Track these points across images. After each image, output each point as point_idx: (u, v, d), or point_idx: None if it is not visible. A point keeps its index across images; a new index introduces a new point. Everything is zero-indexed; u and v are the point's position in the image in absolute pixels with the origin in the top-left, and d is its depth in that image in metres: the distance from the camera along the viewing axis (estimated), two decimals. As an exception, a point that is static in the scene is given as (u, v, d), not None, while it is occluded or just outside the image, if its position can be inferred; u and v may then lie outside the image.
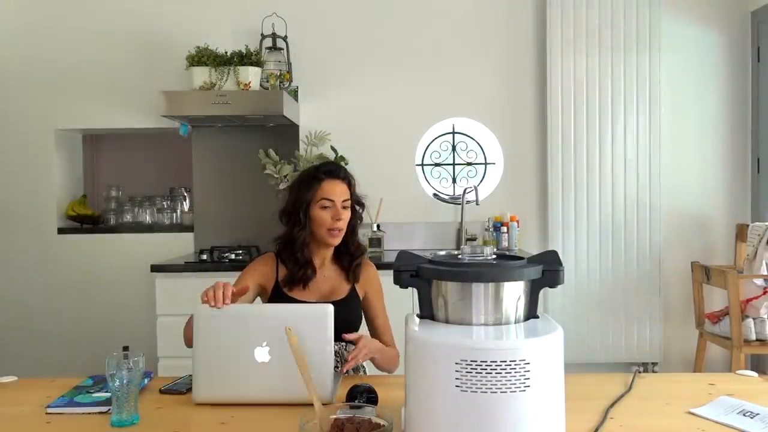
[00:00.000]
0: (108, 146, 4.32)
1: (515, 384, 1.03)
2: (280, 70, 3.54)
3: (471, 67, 3.72)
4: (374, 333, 2.01)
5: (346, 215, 1.92)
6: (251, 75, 3.28)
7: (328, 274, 1.97)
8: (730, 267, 3.39)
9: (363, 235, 3.58)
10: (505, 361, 1.02)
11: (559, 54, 3.60)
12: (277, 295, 1.92)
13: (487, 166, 3.86)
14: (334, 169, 1.96)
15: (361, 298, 1.99)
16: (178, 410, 1.46)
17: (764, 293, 3.11)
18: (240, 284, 1.84)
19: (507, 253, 1.67)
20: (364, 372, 1.97)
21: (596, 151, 3.62)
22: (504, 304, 1.13)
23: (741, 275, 3.10)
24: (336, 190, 1.91)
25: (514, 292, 1.13)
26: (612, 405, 1.41)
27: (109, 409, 1.38)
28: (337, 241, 1.92)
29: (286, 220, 1.95)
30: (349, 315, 1.93)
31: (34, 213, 3.73)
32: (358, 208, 1.98)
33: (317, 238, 1.92)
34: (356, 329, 1.93)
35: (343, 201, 1.92)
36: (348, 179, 1.96)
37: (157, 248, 3.65)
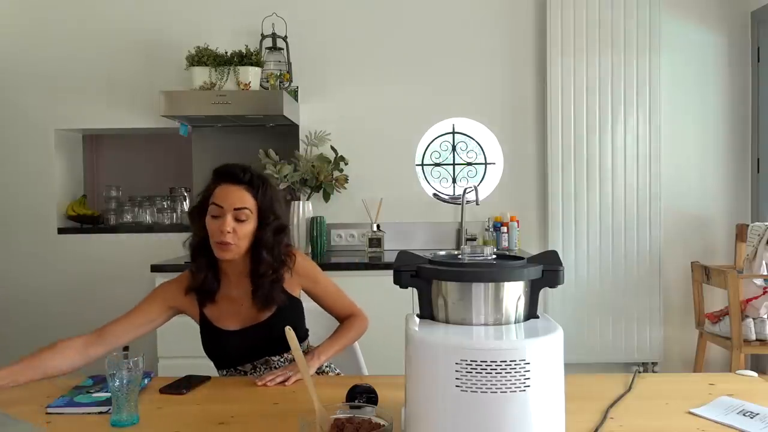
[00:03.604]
0: (108, 146, 4.32)
1: (515, 384, 1.03)
2: (280, 70, 3.54)
3: (471, 67, 3.72)
4: (332, 314, 1.89)
5: (242, 228, 1.65)
6: (251, 75, 3.28)
7: (248, 292, 1.74)
8: (730, 267, 3.39)
9: (363, 234, 3.59)
10: (505, 361, 1.02)
11: (559, 54, 3.60)
12: (203, 322, 1.76)
13: (487, 166, 3.86)
14: (233, 170, 1.68)
15: (300, 294, 1.84)
16: (178, 410, 1.45)
17: (764, 293, 3.11)
18: (145, 310, 1.73)
19: (507, 253, 1.67)
20: (338, 368, 1.95)
21: (596, 151, 3.62)
22: (504, 304, 1.13)
23: (741, 275, 3.10)
24: (229, 196, 1.65)
25: (514, 292, 1.13)
26: (612, 405, 1.41)
27: (109, 409, 1.38)
28: (227, 255, 1.65)
29: (191, 222, 1.74)
30: (284, 327, 1.53)
31: (34, 213, 3.73)
32: (272, 218, 1.70)
33: None
34: (301, 334, 1.83)
35: (238, 209, 1.65)
36: (255, 185, 1.68)
37: (157, 248, 3.65)
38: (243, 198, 1.67)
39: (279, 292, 1.75)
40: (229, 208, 1.65)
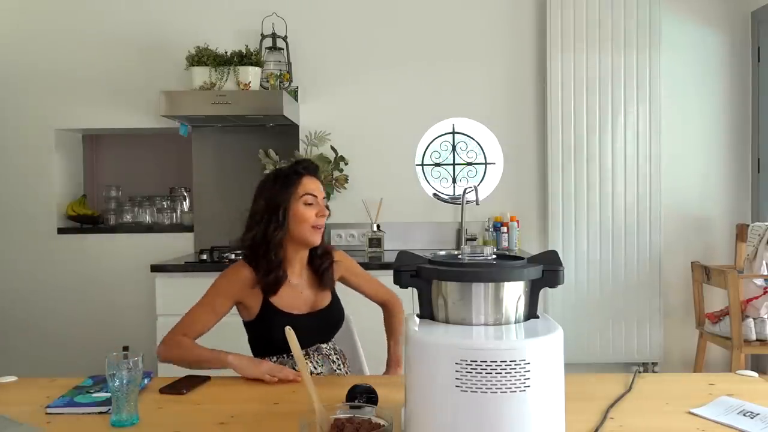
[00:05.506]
0: (108, 146, 4.32)
1: (515, 384, 1.02)
2: (280, 70, 3.54)
3: (471, 67, 3.72)
4: (373, 299, 2.10)
5: (327, 213, 1.93)
6: (251, 75, 3.28)
7: (309, 280, 1.94)
8: (730, 267, 3.39)
9: (363, 234, 3.60)
10: (505, 361, 1.02)
11: (558, 54, 3.60)
12: (267, 309, 1.85)
13: (487, 166, 3.86)
14: (311, 166, 1.96)
15: (337, 285, 2.03)
16: (178, 410, 1.46)
17: (764, 293, 3.11)
18: (218, 308, 1.83)
19: (507, 253, 1.67)
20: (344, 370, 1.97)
21: (596, 151, 3.62)
22: (504, 304, 1.13)
23: (741, 275, 3.10)
24: (317, 186, 1.92)
25: (514, 292, 1.13)
26: (612, 405, 1.41)
27: (109, 409, 1.38)
28: (318, 238, 1.90)
29: (260, 219, 1.87)
30: (337, 316, 1.97)
31: (34, 213, 3.74)
32: (326, 203, 1.99)
33: (295, 238, 1.87)
34: (339, 326, 1.99)
35: (324, 198, 1.94)
36: (320, 177, 1.98)
37: (157, 248, 3.65)
38: (322, 189, 1.95)
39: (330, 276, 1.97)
40: (320, 196, 1.92)
